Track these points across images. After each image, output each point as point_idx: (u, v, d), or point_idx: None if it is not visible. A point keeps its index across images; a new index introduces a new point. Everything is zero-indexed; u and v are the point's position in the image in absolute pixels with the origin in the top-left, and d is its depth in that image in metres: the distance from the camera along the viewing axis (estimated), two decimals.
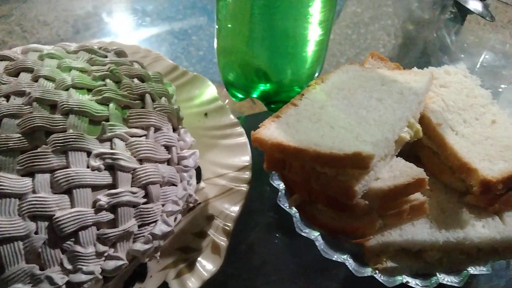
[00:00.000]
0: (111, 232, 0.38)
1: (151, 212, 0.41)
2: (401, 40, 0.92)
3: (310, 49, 0.55)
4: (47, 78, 0.43)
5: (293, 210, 0.48)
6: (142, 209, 0.40)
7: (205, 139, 0.54)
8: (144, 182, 0.40)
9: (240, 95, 0.63)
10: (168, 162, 0.45)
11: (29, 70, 0.44)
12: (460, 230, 0.44)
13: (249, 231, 0.53)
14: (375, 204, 0.42)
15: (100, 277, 0.38)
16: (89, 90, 0.43)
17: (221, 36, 0.57)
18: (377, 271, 0.44)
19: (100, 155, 0.39)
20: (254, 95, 0.62)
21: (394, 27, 0.94)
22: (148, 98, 0.45)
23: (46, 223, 0.36)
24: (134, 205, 0.40)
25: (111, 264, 0.38)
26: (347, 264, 0.45)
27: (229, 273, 0.49)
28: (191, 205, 0.47)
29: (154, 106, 0.45)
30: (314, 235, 0.47)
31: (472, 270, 0.45)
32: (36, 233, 0.36)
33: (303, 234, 0.47)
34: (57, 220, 0.36)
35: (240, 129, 0.54)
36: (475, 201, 0.45)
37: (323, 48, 0.57)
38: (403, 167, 0.44)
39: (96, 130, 0.41)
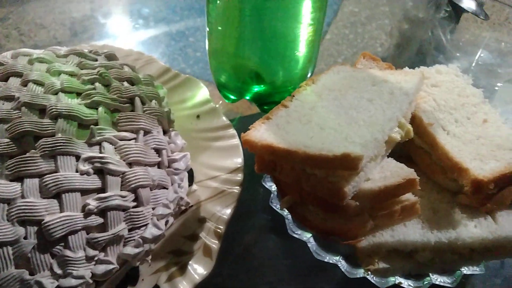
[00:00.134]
0: (101, 236, 0.38)
1: (141, 215, 0.41)
2: (396, 39, 0.92)
3: (302, 50, 0.55)
4: (36, 82, 0.43)
5: (285, 212, 0.47)
6: (132, 213, 0.40)
7: (198, 141, 0.54)
8: (133, 185, 0.40)
9: (232, 97, 0.63)
10: (159, 165, 0.45)
11: (19, 74, 0.44)
12: (452, 230, 0.44)
13: (243, 232, 0.53)
14: (366, 205, 0.42)
15: (91, 281, 0.38)
16: (78, 94, 0.43)
17: (212, 38, 0.57)
18: (369, 272, 0.44)
19: (89, 159, 0.39)
20: (247, 97, 0.62)
21: (391, 27, 0.94)
22: (137, 101, 0.45)
23: (35, 228, 0.36)
24: (124, 209, 0.40)
25: (101, 268, 0.38)
26: (339, 265, 0.45)
27: (225, 274, 0.49)
28: (182, 208, 0.47)
29: (144, 109, 0.45)
30: (306, 236, 0.46)
31: (465, 270, 0.45)
32: (25, 238, 0.36)
33: (295, 235, 0.47)
34: (46, 224, 0.36)
35: (232, 131, 0.54)
36: (467, 200, 0.45)
37: (314, 48, 0.57)
38: (394, 168, 0.44)
39: (85, 134, 0.41)
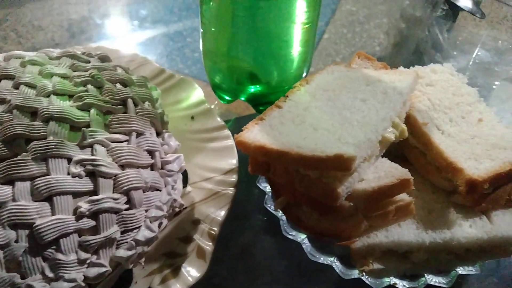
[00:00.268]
0: (93, 239, 0.38)
1: (133, 218, 0.41)
2: (393, 38, 0.92)
3: (296, 50, 0.55)
4: (28, 85, 0.43)
5: (280, 213, 0.47)
6: (124, 215, 0.40)
7: (192, 142, 0.54)
8: (126, 188, 0.40)
9: (227, 97, 0.63)
10: (152, 167, 0.45)
11: (10, 77, 0.44)
12: (447, 230, 0.44)
13: (239, 234, 0.53)
14: (360, 205, 0.41)
15: (83, 284, 0.37)
16: (71, 96, 0.43)
17: (206, 39, 0.57)
18: (364, 273, 0.43)
19: (80, 162, 0.39)
20: (242, 98, 0.62)
21: (388, 26, 0.94)
22: (130, 103, 0.45)
23: (27, 231, 0.36)
24: (116, 212, 0.40)
25: (94, 271, 0.38)
26: (334, 266, 0.45)
27: (221, 276, 0.49)
28: (176, 209, 0.47)
29: (137, 110, 0.45)
30: (301, 237, 0.46)
31: (460, 270, 0.44)
32: (16, 241, 0.36)
33: (289, 236, 0.47)
34: (37, 228, 0.36)
35: (227, 132, 0.54)
36: (462, 200, 0.45)
37: (309, 48, 0.57)
38: (388, 168, 0.43)
39: (76, 136, 0.40)
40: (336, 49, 0.89)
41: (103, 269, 0.38)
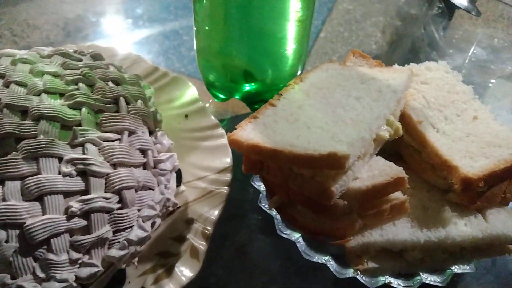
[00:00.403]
0: (85, 239, 0.38)
1: (126, 217, 0.40)
2: (389, 36, 0.92)
3: (290, 47, 0.54)
4: (19, 83, 0.42)
5: (274, 212, 0.47)
6: (116, 215, 0.40)
7: (186, 141, 0.54)
8: (117, 187, 0.40)
9: (221, 96, 0.62)
10: (144, 166, 0.44)
11: (1, 75, 0.43)
12: (442, 229, 0.43)
13: (234, 233, 0.53)
14: (354, 204, 0.41)
15: (75, 284, 0.37)
16: (62, 95, 0.43)
17: (199, 37, 0.57)
18: (358, 272, 0.43)
19: (71, 161, 0.39)
20: (237, 96, 0.61)
21: (384, 24, 0.93)
22: (122, 101, 0.45)
23: (17, 231, 0.36)
24: (108, 211, 0.39)
25: (86, 271, 0.38)
26: (328, 265, 0.45)
27: (216, 275, 0.48)
28: (170, 209, 0.47)
29: (129, 109, 0.45)
30: (295, 236, 0.46)
31: (456, 269, 0.44)
32: (6, 241, 0.35)
33: (284, 236, 0.46)
34: (28, 227, 0.35)
35: (221, 131, 0.54)
36: (457, 199, 0.45)
37: (303, 46, 0.57)
38: (383, 166, 0.43)
39: (68, 135, 0.40)
40: (333, 47, 0.89)
41: (95, 269, 0.38)
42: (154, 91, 0.54)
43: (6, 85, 0.42)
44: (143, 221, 0.42)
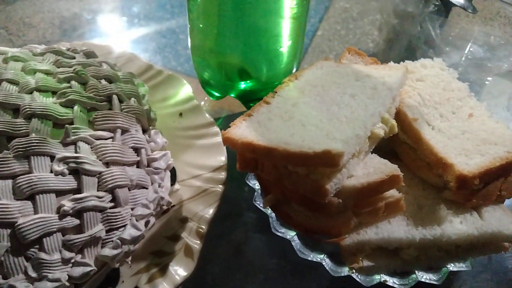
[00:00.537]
0: (77, 238, 0.37)
1: (119, 216, 0.40)
2: (386, 34, 0.91)
3: (285, 45, 0.54)
4: (11, 81, 0.42)
5: (269, 210, 0.47)
6: (109, 214, 0.39)
7: (180, 139, 0.53)
8: (110, 186, 0.40)
9: (217, 94, 0.62)
10: (137, 164, 0.44)
11: None
12: (438, 226, 0.43)
13: (230, 231, 0.52)
14: (349, 202, 0.41)
15: (67, 284, 0.37)
16: (54, 93, 0.42)
17: (194, 35, 0.56)
18: (353, 271, 0.43)
19: (63, 159, 0.38)
20: (232, 94, 0.61)
21: (381, 21, 0.93)
22: (115, 99, 0.44)
23: (9, 231, 0.35)
24: (101, 210, 0.39)
25: (79, 271, 0.37)
26: (324, 264, 0.44)
27: (213, 274, 0.48)
28: (164, 208, 0.46)
29: (122, 107, 0.44)
30: (290, 235, 0.46)
31: (451, 267, 0.44)
32: None
33: (279, 234, 0.46)
34: (19, 227, 0.35)
35: (215, 129, 0.53)
36: (452, 196, 0.45)
37: (299, 43, 0.56)
38: (377, 164, 0.43)
39: (60, 133, 0.40)
40: (330, 45, 0.89)
41: (88, 269, 0.38)
42: (149, 89, 0.54)
43: None
44: (137, 220, 0.41)
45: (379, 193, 0.42)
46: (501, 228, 0.44)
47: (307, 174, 0.39)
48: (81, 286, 0.40)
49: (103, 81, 0.46)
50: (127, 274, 0.43)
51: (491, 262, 0.51)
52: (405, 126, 0.48)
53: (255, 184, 0.49)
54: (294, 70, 0.60)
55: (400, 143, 0.49)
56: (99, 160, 0.40)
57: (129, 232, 0.40)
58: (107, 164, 0.41)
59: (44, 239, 0.36)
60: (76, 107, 0.41)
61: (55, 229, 0.36)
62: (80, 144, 0.40)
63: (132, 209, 0.41)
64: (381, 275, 0.43)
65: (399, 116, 0.48)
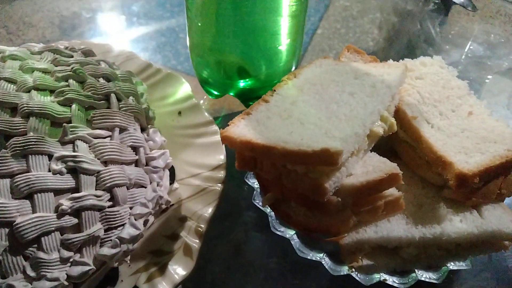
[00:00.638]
0: (76, 237, 0.37)
1: (117, 215, 0.40)
2: (386, 32, 0.91)
3: (284, 43, 0.54)
4: (8, 80, 0.41)
5: (268, 209, 0.47)
6: (108, 213, 0.39)
7: (179, 138, 0.53)
8: (108, 184, 0.39)
9: (215, 92, 0.62)
10: (136, 163, 0.44)
11: None
12: (437, 225, 0.43)
13: (230, 230, 0.52)
14: (348, 200, 0.41)
15: (66, 283, 0.37)
16: (52, 92, 0.42)
17: (192, 33, 0.56)
18: (353, 269, 0.43)
19: (61, 158, 0.38)
20: (231, 93, 0.61)
21: (380, 20, 0.93)
22: (113, 98, 0.44)
23: (7, 230, 0.35)
24: (99, 209, 0.39)
25: (77, 270, 0.37)
26: (323, 263, 0.44)
27: (212, 273, 0.48)
28: (163, 206, 0.46)
29: (120, 106, 0.44)
30: (290, 233, 0.46)
31: (451, 265, 0.44)
32: None
33: (278, 233, 0.46)
34: (18, 226, 0.35)
35: (214, 127, 0.53)
36: (452, 195, 0.45)
37: (297, 41, 0.56)
38: (377, 162, 0.43)
39: (58, 132, 0.39)
40: (330, 44, 0.89)
41: (87, 268, 0.38)
42: (147, 88, 0.54)
43: None
44: (135, 219, 0.41)
45: (379, 192, 0.41)
46: (501, 227, 0.43)
47: (306, 173, 0.39)
48: (80, 286, 0.39)
49: (101, 80, 0.46)
50: (126, 273, 0.43)
51: (491, 261, 0.51)
52: (405, 124, 0.48)
53: (254, 183, 0.49)
54: (293, 68, 0.60)
55: (400, 141, 0.49)
56: (97, 159, 0.40)
57: (127, 231, 0.40)
58: (105, 163, 0.40)
59: (43, 238, 0.36)
60: (74, 106, 0.41)
61: (53, 228, 0.36)
62: (78, 143, 0.39)
63: (130, 208, 0.41)
64: (381, 274, 0.43)
65: (399, 114, 0.48)
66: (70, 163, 0.38)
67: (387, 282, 0.43)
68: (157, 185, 0.45)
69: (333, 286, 0.48)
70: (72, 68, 0.44)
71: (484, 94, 0.76)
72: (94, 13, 0.92)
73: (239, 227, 0.53)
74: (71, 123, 0.40)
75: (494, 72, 0.79)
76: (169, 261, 0.43)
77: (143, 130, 0.47)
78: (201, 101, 0.65)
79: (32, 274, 0.35)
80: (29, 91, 0.41)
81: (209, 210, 0.46)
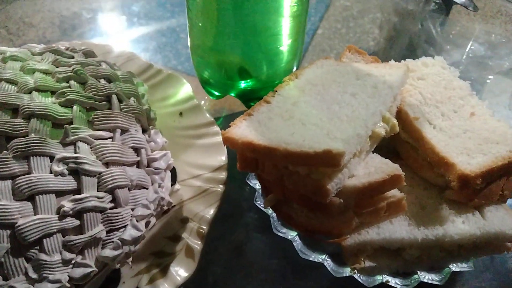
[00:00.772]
0: (78, 239, 0.37)
1: (119, 217, 0.40)
2: (387, 32, 0.91)
3: (285, 43, 0.54)
4: (9, 81, 0.41)
5: (270, 210, 0.46)
6: (109, 214, 0.39)
7: (181, 139, 0.53)
8: (110, 186, 0.39)
9: (216, 93, 0.62)
10: (137, 164, 0.44)
11: None
12: (440, 227, 0.43)
13: (231, 232, 0.52)
14: (351, 202, 0.41)
15: (68, 285, 0.37)
16: (53, 93, 0.42)
17: (193, 34, 0.56)
18: (355, 271, 0.43)
19: (63, 160, 0.38)
20: (232, 94, 0.61)
21: (381, 20, 0.93)
22: (114, 99, 0.44)
23: (9, 232, 0.35)
24: (101, 210, 0.39)
25: (79, 272, 0.37)
26: (325, 264, 0.44)
27: (214, 274, 0.48)
28: (165, 208, 0.46)
29: (122, 107, 0.44)
30: (292, 235, 0.46)
31: (453, 267, 0.44)
32: None
33: (280, 234, 0.46)
34: (19, 228, 0.35)
35: (216, 128, 0.53)
36: (454, 196, 0.44)
37: (298, 42, 0.56)
38: (379, 164, 0.42)
39: (59, 133, 0.39)
40: (330, 44, 0.89)
41: (89, 270, 0.38)
42: (148, 89, 0.54)
43: None
44: (137, 221, 0.41)
45: (381, 193, 0.41)
46: (504, 228, 0.43)
47: (308, 174, 0.38)
48: (82, 287, 0.39)
49: (102, 81, 0.46)
50: (128, 275, 0.43)
51: (494, 262, 0.50)
52: (407, 125, 0.48)
53: (255, 184, 0.49)
54: (295, 69, 0.60)
55: (402, 142, 0.49)
56: (99, 160, 0.40)
57: (129, 233, 0.40)
58: (107, 164, 0.40)
59: (44, 240, 0.36)
60: (75, 107, 0.41)
61: (55, 230, 0.36)
62: (80, 144, 0.39)
63: (132, 209, 0.41)
64: (383, 275, 0.43)
65: (400, 115, 0.48)
66: (72, 165, 0.38)
67: (390, 283, 0.43)
68: (159, 186, 0.45)
69: None
70: (73, 69, 0.44)
71: (486, 95, 0.76)
72: (94, 14, 0.91)
73: (240, 228, 0.53)
74: (72, 124, 0.40)
75: (495, 72, 0.79)
76: (171, 262, 0.43)
77: (144, 131, 0.47)
78: (202, 102, 0.65)
79: (34, 276, 0.35)
80: (30, 92, 0.41)
81: (210, 212, 0.46)
